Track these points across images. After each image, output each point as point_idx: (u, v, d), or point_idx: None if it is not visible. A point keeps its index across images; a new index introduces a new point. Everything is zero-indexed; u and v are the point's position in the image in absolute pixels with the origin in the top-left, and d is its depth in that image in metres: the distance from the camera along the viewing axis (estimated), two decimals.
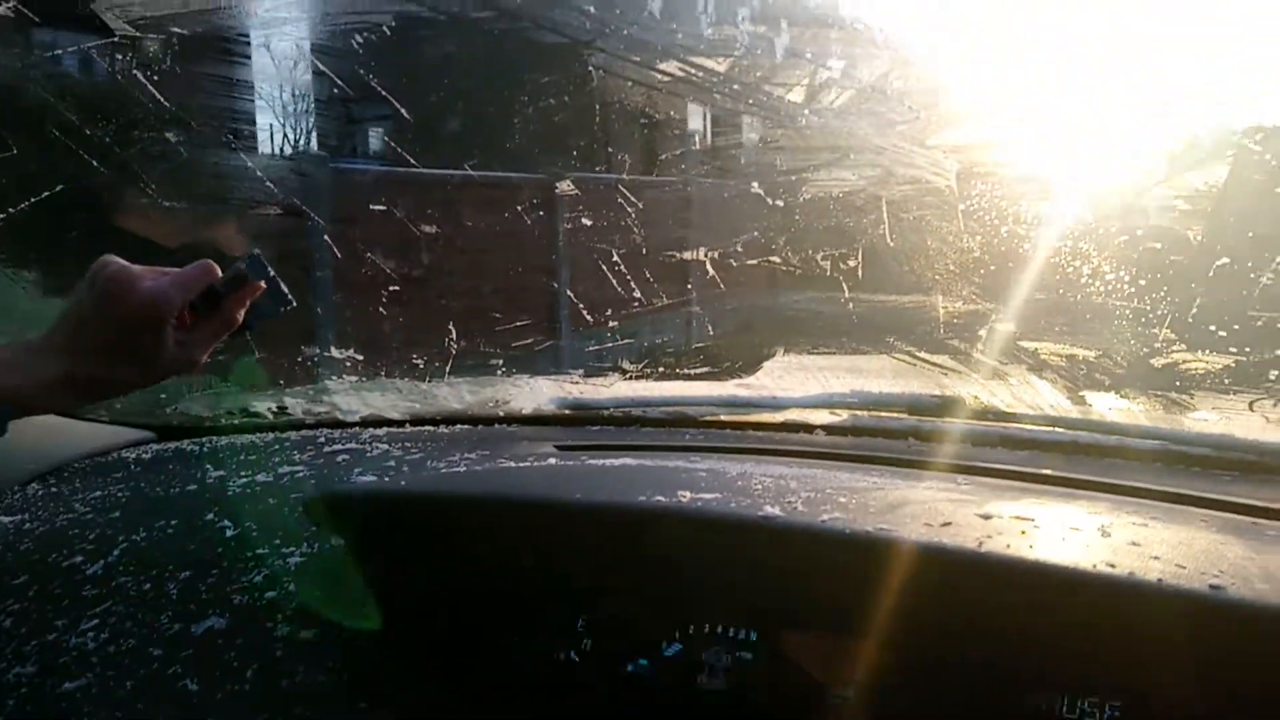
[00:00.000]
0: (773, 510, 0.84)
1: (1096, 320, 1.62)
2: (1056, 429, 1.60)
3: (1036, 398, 1.64)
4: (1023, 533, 0.81)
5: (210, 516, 1.34)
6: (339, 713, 1.03)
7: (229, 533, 1.30)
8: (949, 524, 0.82)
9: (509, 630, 1.02)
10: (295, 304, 1.14)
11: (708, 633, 0.90)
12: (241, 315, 1.12)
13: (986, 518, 0.86)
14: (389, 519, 1.11)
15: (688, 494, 0.89)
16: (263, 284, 1.11)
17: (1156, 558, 0.76)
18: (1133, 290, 1.56)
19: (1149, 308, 1.56)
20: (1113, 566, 0.73)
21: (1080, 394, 1.66)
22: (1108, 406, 1.63)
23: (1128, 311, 1.58)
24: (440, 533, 1.06)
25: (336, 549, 1.20)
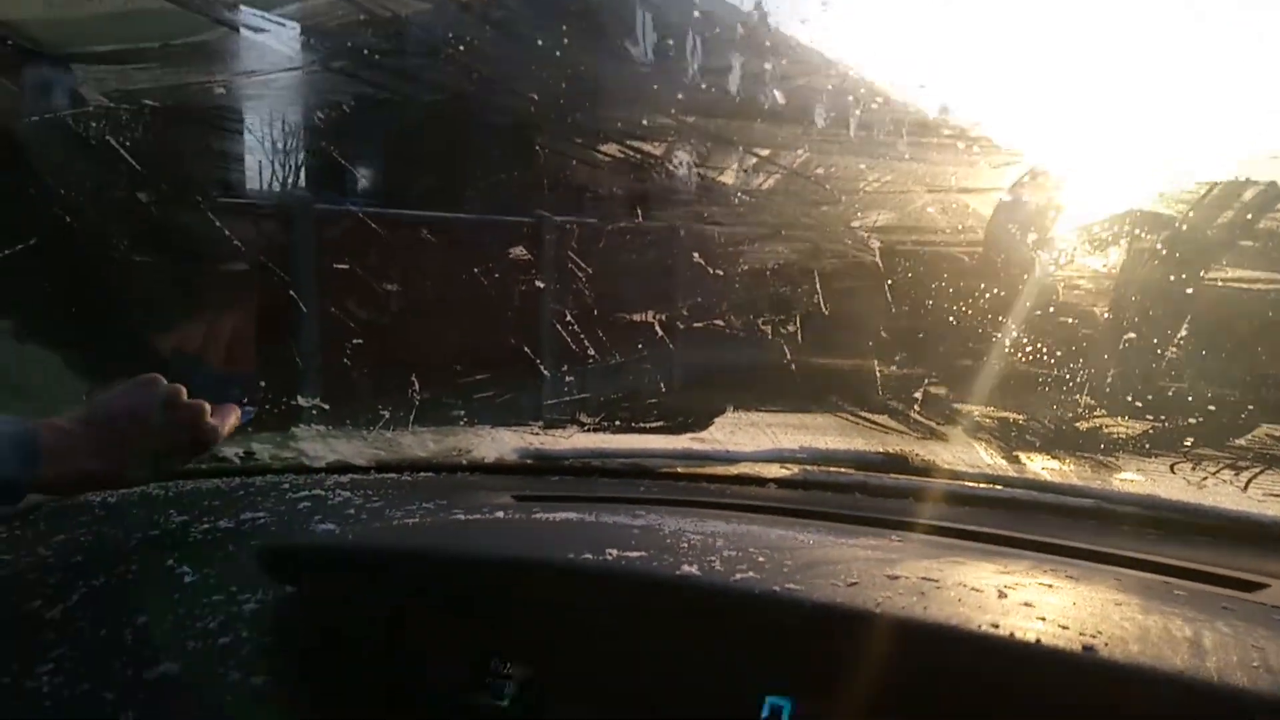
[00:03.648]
0: (690, 569, 0.89)
1: (1021, 386, 1.70)
2: (997, 487, 1.66)
3: (975, 457, 1.70)
4: (922, 593, 0.86)
5: (170, 562, 1.37)
6: None
7: (188, 579, 1.33)
8: (855, 583, 0.88)
9: (453, 680, 1.06)
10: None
11: (634, 686, 0.95)
12: None
13: (893, 578, 0.91)
14: (339, 570, 1.15)
15: (615, 551, 0.94)
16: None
17: (1043, 618, 0.82)
18: (1051, 360, 1.64)
19: (1068, 376, 1.63)
20: (996, 627, 0.78)
21: (1014, 454, 1.72)
22: (1042, 466, 1.69)
23: (1049, 379, 1.65)
24: (386, 585, 1.11)
25: (291, 597, 1.24)
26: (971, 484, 1.66)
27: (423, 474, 1.93)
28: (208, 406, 1.33)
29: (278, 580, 1.23)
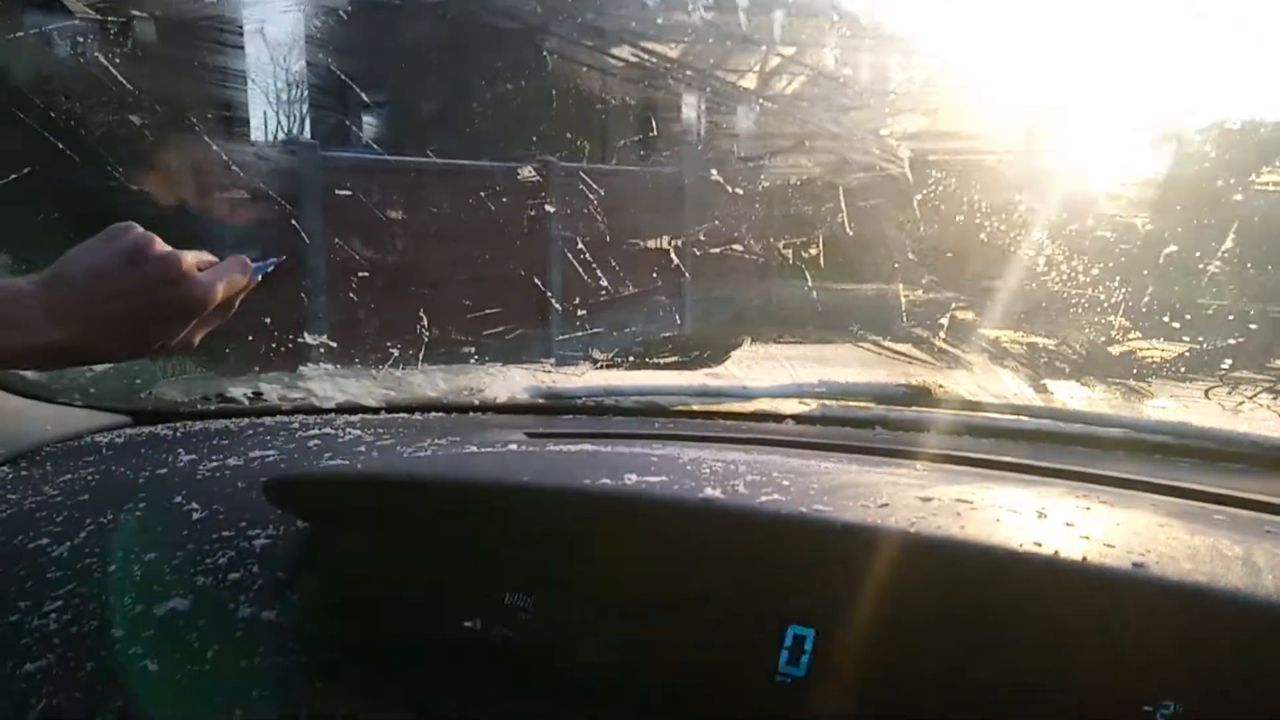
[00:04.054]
0: (713, 492, 0.85)
1: (1053, 309, 1.63)
2: (1021, 417, 1.62)
3: (1000, 386, 1.65)
4: (958, 514, 0.83)
5: (178, 499, 1.35)
6: (296, 693, 1.04)
7: (196, 515, 1.30)
8: (886, 505, 0.84)
9: (468, 612, 1.03)
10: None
11: (653, 614, 0.91)
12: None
13: (926, 500, 0.87)
14: (348, 500, 1.12)
15: (634, 476, 0.90)
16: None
17: (1086, 537, 0.78)
18: (1086, 279, 1.56)
19: (1103, 296, 1.56)
20: (1039, 546, 0.74)
21: (1042, 382, 1.67)
22: (1069, 395, 1.64)
23: (1083, 300, 1.58)
24: (397, 515, 1.07)
25: (301, 531, 1.21)
26: (995, 415, 1.61)
27: (433, 414, 1.90)
28: (188, 256, 1.06)
29: (286, 512, 1.20)
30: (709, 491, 0.86)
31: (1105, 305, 1.54)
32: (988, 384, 1.66)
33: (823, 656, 0.84)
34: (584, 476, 0.94)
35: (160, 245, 1.04)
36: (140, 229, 1.06)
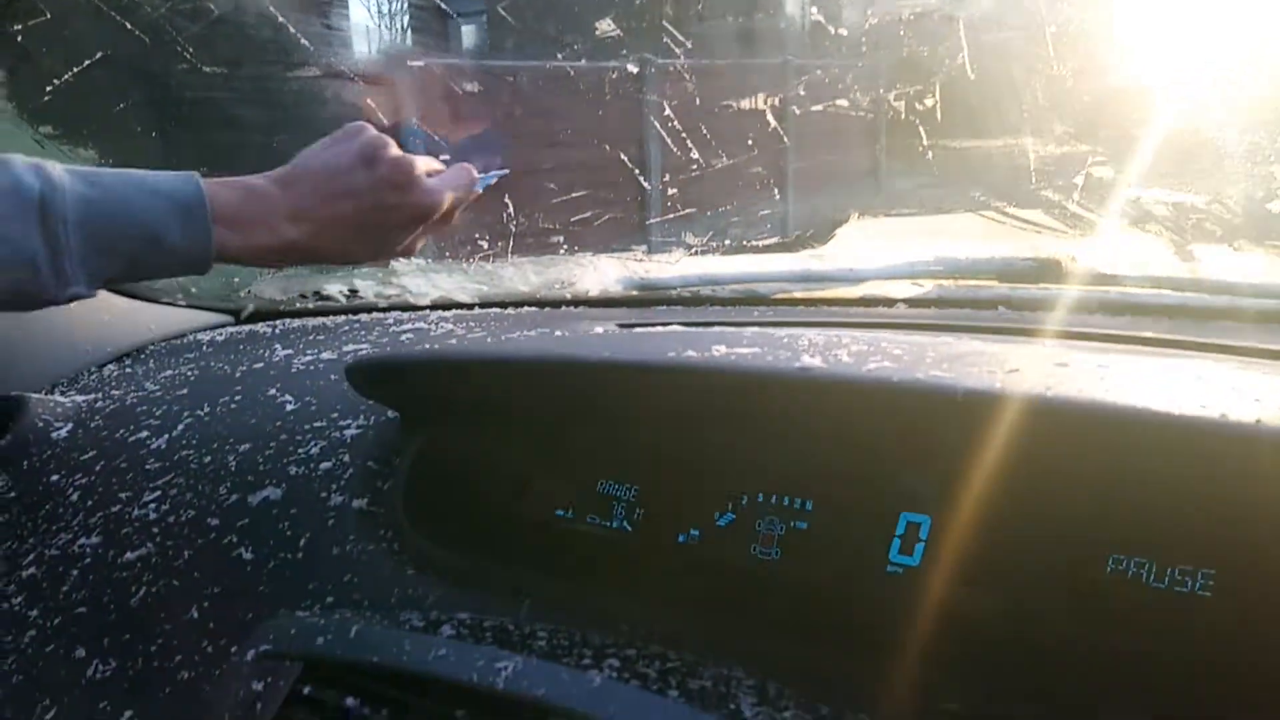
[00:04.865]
0: (811, 361, 0.76)
1: (1207, 160, 1.42)
2: (1163, 290, 1.45)
3: (1139, 255, 1.48)
4: (1101, 379, 0.72)
5: (273, 392, 1.35)
6: (387, 580, 1.02)
7: (289, 407, 1.30)
8: (1015, 370, 0.73)
9: (561, 501, 0.99)
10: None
11: (761, 501, 0.85)
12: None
13: (1062, 365, 0.76)
14: (432, 381, 1.08)
15: (723, 348, 0.82)
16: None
17: (1258, 400, 0.66)
18: (1249, 119, 1.35)
19: (1265, 141, 1.35)
20: (1204, 408, 0.63)
21: (1188, 249, 1.50)
22: (1218, 263, 1.47)
23: (1242, 147, 1.38)
24: (490, 396, 1.03)
25: (391, 421, 1.18)
26: (1134, 289, 1.45)
27: (526, 308, 1.85)
28: (421, 162, 1.06)
29: (373, 399, 1.17)
30: (806, 360, 0.77)
31: (1269, 152, 1.33)
32: (1124, 253, 1.49)
33: (940, 545, 0.76)
34: (666, 351, 0.86)
35: (394, 149, 1.04)
36: (374, 131, 1.05)
